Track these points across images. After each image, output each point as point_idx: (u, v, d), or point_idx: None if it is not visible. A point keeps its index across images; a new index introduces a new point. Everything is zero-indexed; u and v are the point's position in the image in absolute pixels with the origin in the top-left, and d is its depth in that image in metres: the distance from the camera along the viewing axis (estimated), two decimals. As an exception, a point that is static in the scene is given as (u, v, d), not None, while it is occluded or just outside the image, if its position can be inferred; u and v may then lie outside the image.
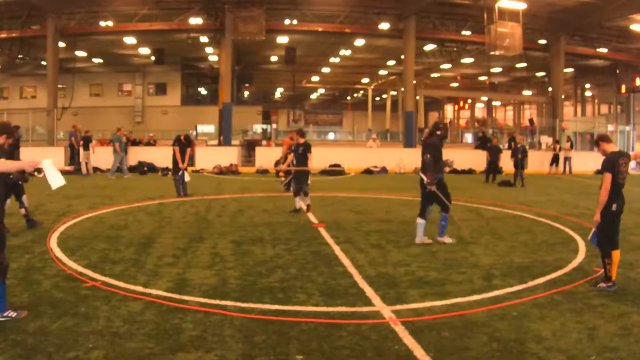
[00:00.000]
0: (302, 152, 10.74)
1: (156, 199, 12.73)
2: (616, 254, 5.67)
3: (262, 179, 19.29)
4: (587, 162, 22.58)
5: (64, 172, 5.32)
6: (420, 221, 7.89)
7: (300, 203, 10.77)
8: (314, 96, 63.81)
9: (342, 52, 34.51)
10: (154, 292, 5.43)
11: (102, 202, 12.01)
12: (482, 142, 24.39)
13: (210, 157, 22.68)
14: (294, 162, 10.93)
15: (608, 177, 5.61)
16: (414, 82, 27.58)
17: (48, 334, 4.28)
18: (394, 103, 52.48)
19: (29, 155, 6.14)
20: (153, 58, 32.13)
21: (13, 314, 4.62)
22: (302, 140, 10.94)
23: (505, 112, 63.02)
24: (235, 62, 32.15)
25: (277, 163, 20.77)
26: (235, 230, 8.83)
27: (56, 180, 4.58)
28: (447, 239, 7.95)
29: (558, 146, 23.02)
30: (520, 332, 4.45)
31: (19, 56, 30.51)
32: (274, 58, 36.46)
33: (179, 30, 26.28)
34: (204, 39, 28.27)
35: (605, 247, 5.65)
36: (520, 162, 17.53)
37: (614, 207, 5.64)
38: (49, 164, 4.57)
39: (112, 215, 10.20)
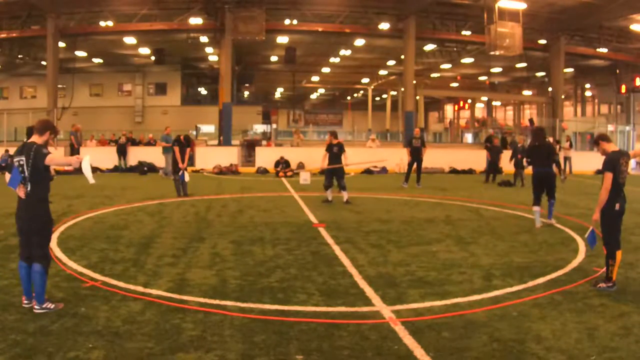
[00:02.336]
0: (337, 152, 12.15)
1: (156, 199, 12.73)
2: (619, 254, 5.66)
3: (262, 179, 19.28)
4: (587, 162, 22.56)
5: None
6: (536, 209, 9.48)
7: (331, 195, 12.23)
8: (314, 96, 63.78)
9: (342, 52, 34.49)
10: (154, 292, 5.43)
11: (102, 202, 12.01)
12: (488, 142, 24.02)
13: (210, 157, 22.67)
14: (329, 160, 12.21)
15: (609, 176, 5.61)
16: (414, 82, 27.60)
17: (48, 334, 4.28)
18: (394, 103, 52.45)
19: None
20: (153, 58, 32.14)
21: (52, 305, 4.81)
22: (335, 141, 12.30)
23: (505, 112, 63.00)
24: (235, 62, 32.14)
25: (277, 164, 20.78)
26: (235, 230, 8.83)
27: (89, 177, 5.02)
28: (554, 220, 9.69)
29: (558, 146, 22.97)
30: (520, 332, 4.45)
31: (19, 56, 30.53)
32: (274, 58, 36.45)
33: (179, 30, 26.27)
34: (204, 39, 28.26)
35: (612, 248, 5.63)
36: (520, 162, 17.52)
37: (617, 206, 5.63)
38: (87, 161, 4.94)
39: (112, 215, 10.20)
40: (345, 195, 12.21)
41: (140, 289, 5.52)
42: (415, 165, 16.47)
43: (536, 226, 9.37)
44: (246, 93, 49.87)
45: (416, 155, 16.40)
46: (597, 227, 5.85)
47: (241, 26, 23.51)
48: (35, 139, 4.87)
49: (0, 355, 3.87)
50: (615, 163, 5.64)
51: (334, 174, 12.20)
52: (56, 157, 4.89)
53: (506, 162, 20.76)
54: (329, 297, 5.36)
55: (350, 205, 11.99)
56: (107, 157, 21.73)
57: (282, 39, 28.87)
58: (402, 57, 27.42)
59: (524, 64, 32.73)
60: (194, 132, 34.16)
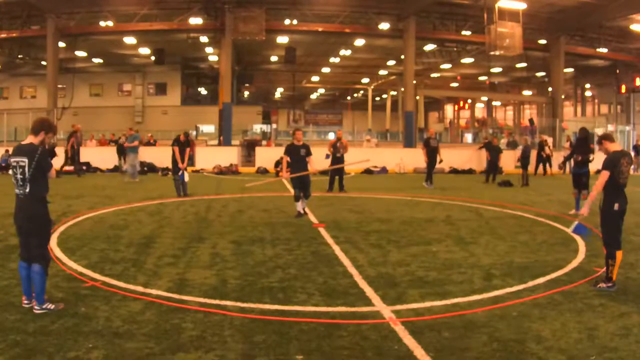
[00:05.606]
0: (304, 155, 10.34)
1: (156, 199, 12.73)
2: (619, 255, 5.67)
3: (262, 179, 19.27)
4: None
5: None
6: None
7: (301, 206, 10.34)
8: (314, 96, 63.82)
9: (342, 52, 34.52)
10: (154, 292, 5.43)
11: (102, 202, 12.01)
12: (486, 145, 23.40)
13: (210, 157, 22.67)
14: (294, 166, 10.38)
15: (605, 174, 5.62)
16: (414, 82, 27.61)
17: (48, 334, 4.28)
18: (394, 103, 52.49)
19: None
20: (153, 58, 32.15)
21: (51, 306, 4.80)
22: (301, 142, 10.52)
23: (505, 112, 63.08)
24: (235, 62, 32.15)
25: (277, 163, 20.77)
26: (235, 230, 8.83)
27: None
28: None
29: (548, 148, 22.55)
30: (520, 332, 4.45)
31: (19, 56, 30.54)
32: (274, 58, 36.47)
33: (179, 30, 26.28)
34: (204, 39, 28.28)
35: (612, 248, 5.64)
36: (525, 162, 17.69)
37: (616, 206, 5.63)
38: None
39: (112, 215, 10.20)
40: (304, 203, 10.34)
41: (140, 289, 5.52)
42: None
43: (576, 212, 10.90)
44: (246, 93, 49.91)
45: (433, 155, 16.27)
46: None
47: (241, 26, 23.52)
48: (31, 139, 4.86)
49: (0, 355, 3.87)
50: (615, 163, 5.64)
51: (302, 182, 10.17)
52: (53, 172, 5.01)
53: (506, 163, 20.82)
54: (329, 297, 5.36)
55: (350, 205, 11.97)
56: (107, 157, 21.71)
57: (282, 39, 28.88)
58: (402, 57, 27.43)
59: (524, 64, 32.74)
60: (194, 132, 34.22)
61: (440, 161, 16.57)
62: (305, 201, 10.39)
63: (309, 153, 10.37)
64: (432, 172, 16.47)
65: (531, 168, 20.01)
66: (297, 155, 10.34)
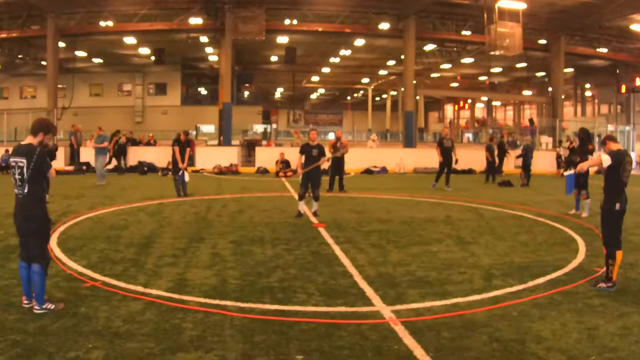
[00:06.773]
0: (317, 155, 10.35)
1: (156, 199, 12.73)
2: (619, 255, 5.68)
3: (262, 179, 19.27)
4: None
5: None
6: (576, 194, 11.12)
7: (305, 207, 10.45)
8: (314, 96, 63.86)
9: (342, 52, 34.52)
10: (154, 292, 5.43)
11: (102, 202, 12.01)
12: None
13: (210, 157, 22.66)
14: (306, 166, 10.34)
15: (607, 158, 5.66)
16: (414, 82, 27.62)
17: (48, 334, 4.28)
18: (394, 103, 52.53)
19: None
20: (153, 58, 32.15)
21: (51, 306, 4.81)
22: (315, 142, 10.59)
23: (505, 112, 63.11)
24: (235, 62, 32.13)
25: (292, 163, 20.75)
26: (235, 230, 8.83)
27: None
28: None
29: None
30: (520, 332, 4.45)
31: (19, 56, 30.54)
32: (274, 58, 36.47)
33: (179, 30, 26.28)
34: (204, 39, 28.28)
35: (612, 248, 5.65)
36: (527, 161, 17.72)
37: (618, 206, 5.65)
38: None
39: (112, 215, 10.20)
40: (315, 205, 10.33)
41: (140, 289, 5.52)
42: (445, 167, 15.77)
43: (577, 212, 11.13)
44: (246, 93, 49.88)
45: (448, 156, 15.77)
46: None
47: (241, 26, 23.51)
48: (30, 139, 4.86)
49: (0, 355, 3.87)
50: (620, 158, 5.68)
51: (310, 181, 10.22)
52: (53, 172, 5.05)
53: (506, 163, 20.80)
54: (329, 297, 5.36)
55: (350, 205, 11.97)
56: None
57: (282, 39, 28.87)
58: (402, 57, 27.42)
59: (524, 64, 32.74)
60: (194, 132, 34.21)
61: (456, 161, 16.14)
62: (316, 204, 10.34)
63: (322, 153, 10.45)
64: (442, 173, 15.84)
65: (542, 169, 19.92)
66: (310, 155, 10.40)
